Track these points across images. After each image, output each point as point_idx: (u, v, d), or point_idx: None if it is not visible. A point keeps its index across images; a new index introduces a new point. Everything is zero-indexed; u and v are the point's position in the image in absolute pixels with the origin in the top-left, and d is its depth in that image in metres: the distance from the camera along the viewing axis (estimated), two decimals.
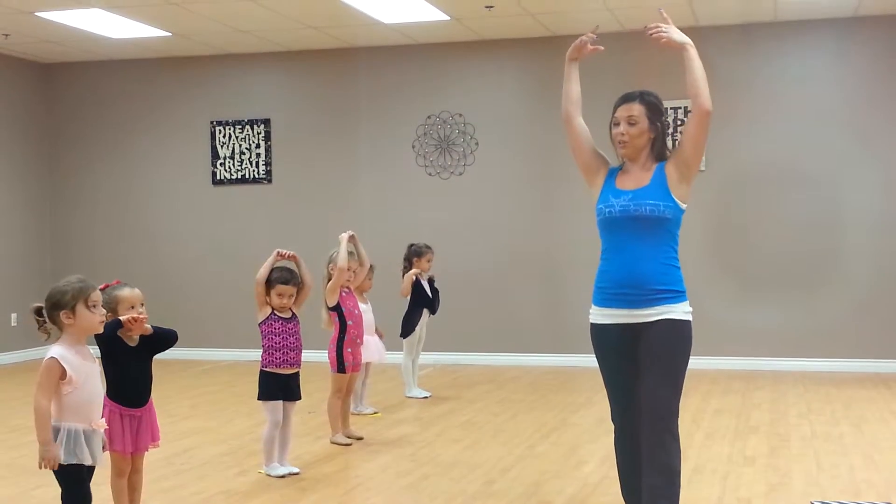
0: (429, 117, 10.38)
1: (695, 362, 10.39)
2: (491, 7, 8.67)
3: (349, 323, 6.38)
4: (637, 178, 4.04)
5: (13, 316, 10.60)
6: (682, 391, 4.04)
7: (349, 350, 6.37)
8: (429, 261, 8.15)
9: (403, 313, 8.12)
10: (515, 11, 8.90)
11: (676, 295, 4.02)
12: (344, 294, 6.41)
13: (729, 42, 9.58)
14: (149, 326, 4.23)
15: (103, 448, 3.99)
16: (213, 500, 5.09)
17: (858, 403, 7.64)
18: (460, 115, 10.31)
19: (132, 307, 4.27)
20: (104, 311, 3.90)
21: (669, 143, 4.21)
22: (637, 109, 4.07)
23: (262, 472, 5.57)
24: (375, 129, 10.54)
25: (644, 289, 3.95)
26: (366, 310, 7.22)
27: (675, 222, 4.02)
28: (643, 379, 3.99)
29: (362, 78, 10.55)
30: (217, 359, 10.48)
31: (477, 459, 5.89)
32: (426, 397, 8.10)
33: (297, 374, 5.64)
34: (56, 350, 3.78)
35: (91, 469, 3.90)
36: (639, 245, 3.97)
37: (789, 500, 4.92)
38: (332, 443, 6.34)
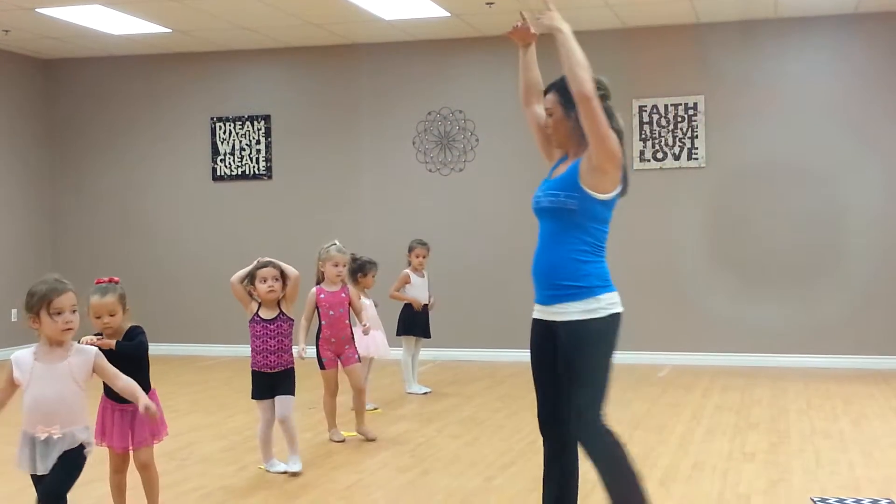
0: (429, 114, 10.37)
1: (695, 358, 10.38)
2: (491, 3, 8.66)
3: (322, 323, 6.36)
4: (564, 168, 3.88)
5: (13, 311, 10.60)
6: (607, 385, 3.79)
7: (325, 348, 6.35)
8: (417, 256, 8.14)
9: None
10: (515, 8, 8.87)
11: (578, 291, 3.74)
12: (321, 297, 6.38)
13: (729, 39, 9.58)
14: (111, 342, 4.17)
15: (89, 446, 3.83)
16: (213, 495, 5.10)
17: (858, 400, 7.64)
18: (461, 111, 10.30)
19: (98, 317, 4.23)
20: (71, 318, 3.69)
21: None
22: (551, 100, 3.92)
23: (261, 467, 5.58)
24: (376, 126, 10.53)
25: (545, 283, 3.83)
26: (368, 305, 7.23)
27: (585, 213, 3.74)
28: (562, 381, 3.89)
29: (363, 74, 10.54)
30: (217, 354, 10.48)
31: (477, 455, 5.89)
32: (426, 393, 8.10)
33: (286, 371, 5.51)
34: (22, 351, 3.69)
35: (38, 477, 3.70)
36: (546, 238, 3.85)
37: (789, 496, 4.93)
38: (330, 440, 6.35)
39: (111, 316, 4.23)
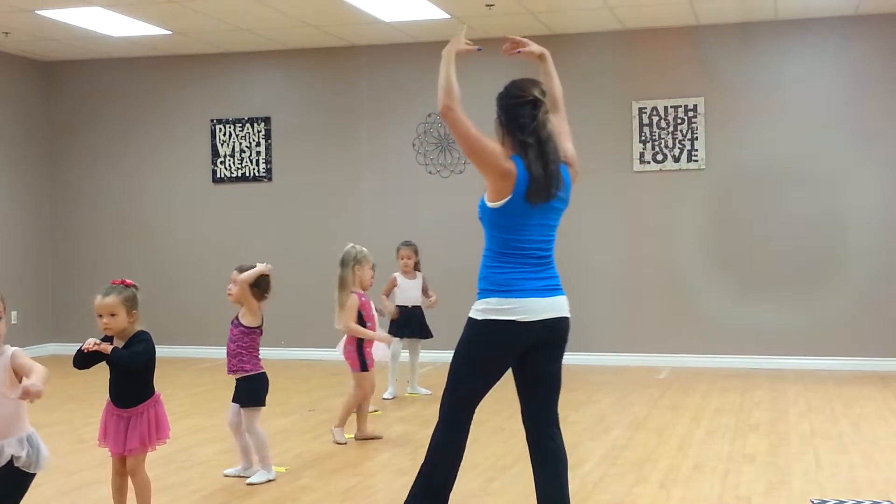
0: (429, 115, 10.37)
1: (694, 360, 10.37)
2: (491, 5, 8.67)
3: (368, 324, 6.48)
4: None
5: (14, 313, 10.59)
6: (458, 389, 4.10)
7: (370, 349, 6.49)
8: (402, 258, 8.17)
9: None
10: (516, 10, 8.90)
11: (478, 293, 4.03)
12: (363, 300, 6.49)
13: (729, 40, 9.58)
14: (108, 348, 4.16)
15: None
16: (213, 497, 5.10)
17: (858, 402, 7.64)
18: None
19: (99, 316, 4.25)
20: None
21: (528, 139, 3.92)
22: None
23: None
24: (376, 128, 10.53)
25: None
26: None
27: (485, 221, 4.01)
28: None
29: (363, 76, 10.55)
30: (217, 356, 10.46)
31: (476, 457, 5.88)
32: (391, 397, 8.11)
33: (240, 380, 5.42)
34: None
35: None
36: None
37: (789, 498, 4.93)
38: (335, 441, 6.35)
39: (111, 316, 4.22)
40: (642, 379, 8.84)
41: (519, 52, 4.28)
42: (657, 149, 9.78)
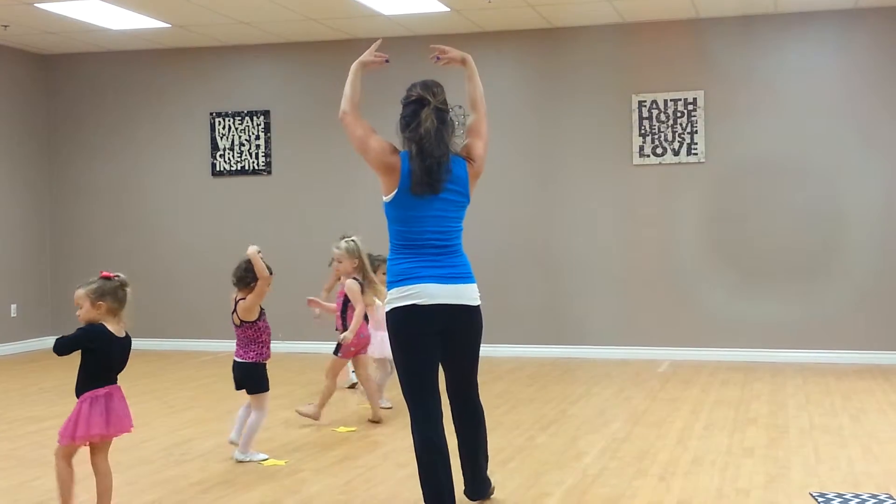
0: None
1: (694, 353, 10.37)
2: None
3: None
4: None
5: (13, 307, 10.60)
6: (403, 378, 4.28)
7: None
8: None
9: None
10: (515, 3, 8.88)
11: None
12: None
13: (729, 34, 9.57)
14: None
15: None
16: (212, 490, 5.10)
17: (857, 395, 7.65)
18: (460, 106, 10.23)
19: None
20: None
21: (411, 136, 4.43)
22: None
23: (261, 462, 5.60)
24: (375, 122, 10.37)
25: None
26: (379, 306, 7.25)
27: (386, 216, 4.38)
28: None
29: None
30: (216, 350, 10.48)
31: None
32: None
33: None
34: None
35: None
36: None
37: (788, 492, 4.93)
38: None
39: (80, 308, 4.32)
40: (642, 372, 8.85)
41: (438, 58, 4.64)
42: (657, 142, 9.77)
